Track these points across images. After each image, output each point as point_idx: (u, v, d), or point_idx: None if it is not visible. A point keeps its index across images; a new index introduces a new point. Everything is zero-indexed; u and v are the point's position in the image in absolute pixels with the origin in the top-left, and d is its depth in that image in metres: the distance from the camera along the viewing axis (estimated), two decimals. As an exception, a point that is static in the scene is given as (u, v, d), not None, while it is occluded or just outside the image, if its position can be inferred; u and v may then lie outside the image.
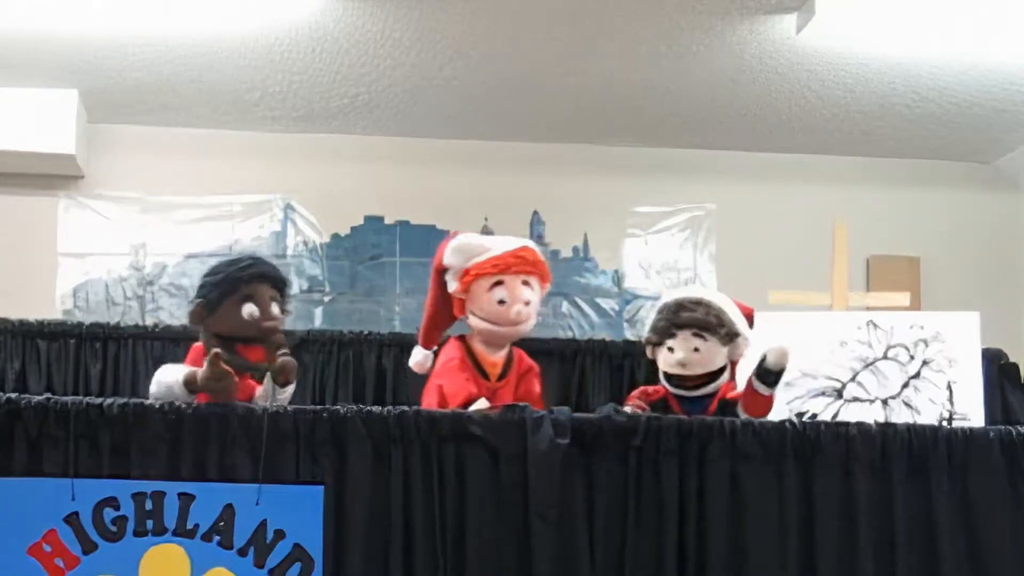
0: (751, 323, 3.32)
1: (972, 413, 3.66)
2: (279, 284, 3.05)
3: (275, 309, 3.00)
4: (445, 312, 3.32)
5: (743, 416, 3.07)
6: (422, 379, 3.36)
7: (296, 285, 5.77)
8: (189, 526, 2.63)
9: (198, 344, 3.03)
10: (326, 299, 5.83)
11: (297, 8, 4.49)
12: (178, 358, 3.10)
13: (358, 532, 2.70)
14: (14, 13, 4.50)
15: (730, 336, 3.22)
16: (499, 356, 3.27)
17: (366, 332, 4.30)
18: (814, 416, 3.60)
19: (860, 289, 5.68)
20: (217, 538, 2.64)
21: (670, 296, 3.37)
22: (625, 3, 4.45)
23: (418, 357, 3.40)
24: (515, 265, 3.22)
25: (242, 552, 2.64)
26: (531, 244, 3.33)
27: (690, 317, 3.21)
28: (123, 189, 5.73)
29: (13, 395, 2.69)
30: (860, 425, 2.89)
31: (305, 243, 5.84)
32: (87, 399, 2.70)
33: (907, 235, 6.09)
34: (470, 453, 2.77)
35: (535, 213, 5.96)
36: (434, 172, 5.91)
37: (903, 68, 4.99)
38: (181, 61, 4.98)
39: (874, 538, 2.83)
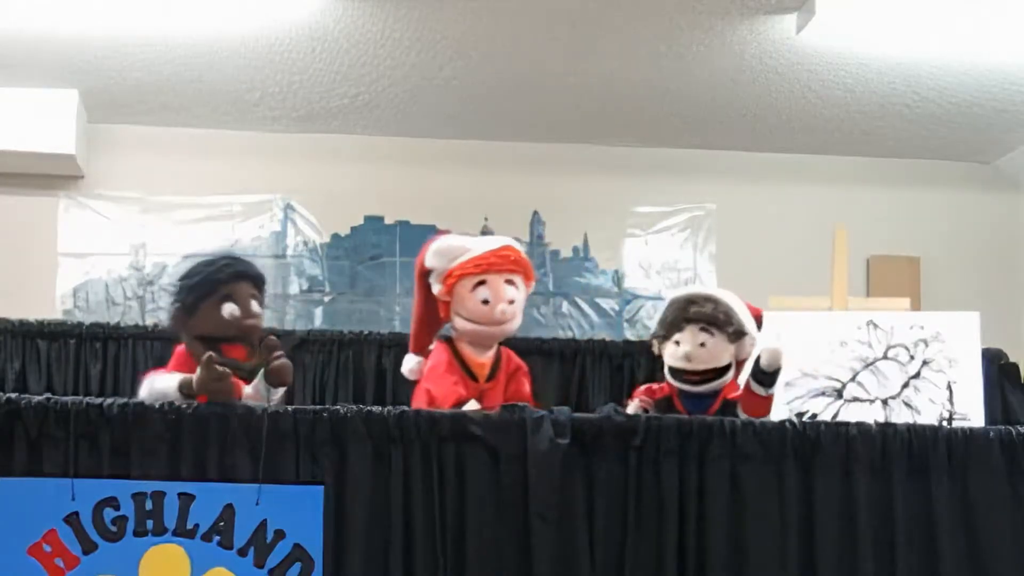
0: (759, 324, 3.32)
1: (972, 413, 3.66)
2: (257, 281, 3.05)
3: (255, 307, 3.00)
4: (433, 315, 3.29)
5: (743, 417, 3.07)
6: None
7: (296, 285, 5.78)
8: (189, 526, 2.63)
9: (180, 348, 3.02)
10: (326, 299, 5.82)
11: (297, 8, 4.48)
12: (179, 358, 3.10)
13: (358, 532, 2.70)
14: (14, 13, 4.50)
15: (737, 334, 3.22)
16: (487, 357, 3.25)
17: (366, 332, 4.31)
18: (814, 416, 3.61)
19: (860, 290, 5.68)
20: (217, 538, 2.64)
21: (680, 292, 3.37)
22: (625, 3, 4.45)
23: (411, 364, 3.35)
24: (497, 264, 3.19)
25: (242, 552, 2.64)
26: (513, 243, 3.30)
27: (699, 312, 3.22)
28: (123, 189, 5.72)
29: (13, 395, 2.69)
30: (860, 425, 2.88)
31: (305, 243, 5.84)
32: (87, 399, 2.70)
33: (907, 235, 6.08)
34: (470, 453, 2.76)
35: (535, 213, 5.95)
36: (434, 172, 5.90)
37: (903, 68, 4.99)
38: (181, 61, 4.97)
39: (874, 538, 2.83)
